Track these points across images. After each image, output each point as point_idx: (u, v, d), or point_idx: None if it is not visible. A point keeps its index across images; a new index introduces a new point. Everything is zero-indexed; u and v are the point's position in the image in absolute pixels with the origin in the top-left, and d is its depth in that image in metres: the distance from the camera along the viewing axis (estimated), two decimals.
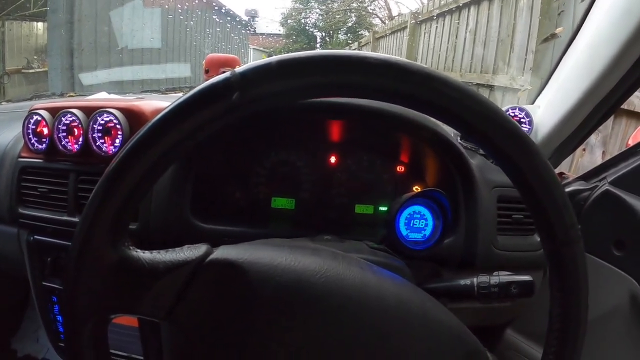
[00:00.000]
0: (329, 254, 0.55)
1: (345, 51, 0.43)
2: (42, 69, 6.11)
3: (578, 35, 1.11)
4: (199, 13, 7.71)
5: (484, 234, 0.96)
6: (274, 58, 0.42)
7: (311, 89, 0.43)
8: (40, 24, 6.56)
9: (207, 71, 1.70)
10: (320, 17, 15.91)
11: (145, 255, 0.47)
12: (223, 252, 0.50)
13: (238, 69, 0.42)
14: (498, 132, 0.44)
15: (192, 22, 7.30)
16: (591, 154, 3.06)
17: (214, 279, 0.49)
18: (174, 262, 0.47)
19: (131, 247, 0.47)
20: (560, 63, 1.17)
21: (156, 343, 1.05)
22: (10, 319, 1.81)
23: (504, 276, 0.71)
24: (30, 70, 6.38)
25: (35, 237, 1.09)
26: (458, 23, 5.50)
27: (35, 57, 6.54)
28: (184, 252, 0.49)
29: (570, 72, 1.11)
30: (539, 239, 1.03)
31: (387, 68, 0.42)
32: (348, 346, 0.49)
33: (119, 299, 0.47)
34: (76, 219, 1.02)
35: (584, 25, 1.10)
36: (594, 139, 3.00)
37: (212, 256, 0.49)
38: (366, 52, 0.43)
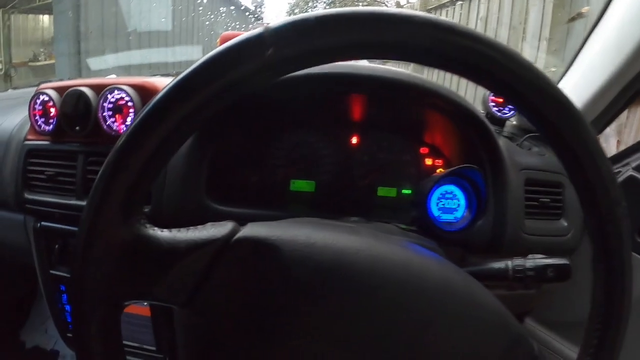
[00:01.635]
0: (369, 233, 0.50)
1: (389, 9, 0.38)
2: (49, 62, 6.13)
3: (605, 15, 1.09)
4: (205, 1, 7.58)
5: (512, 218, 0.92)
6: (312, 14, 0.37)
7: (353, 48, 0.38)
8: (46, 17, 6.58)
9: None
10: (328, 7, 15.85)
11: (163, 233, 0.42)
12: (252, 230, 0.45)
13: (271, 24, 0.37)
14: (543, 99, 0.41)
15: (205, 0, 7.17)
16: (606, 142, 3.01)
17: (242, 258, 0.43)
18: (196, 241, 0.42)
19: (147, 225, 0.42)
20: (584, 46, 1.16)
21: (169, 332, 1.01)
22: (19, 310, 1.80)
23: (539, 259, 0.69)
24: (37, 63, 6.40)
25: (42, 223, 1.05)
26: (469, 11, 5.44)
27: (42, 49, 6.57)
28: (207, 229, 0.43)
29: (596, 55, 1.10)
30: (565, 224, 1.01)
31: (434, 28, 0.38)
32: (392, 329, 0.44)
33: (134, 283, 0.42)
34: (84, 203, 0.97)
35: (610, 5, 1.07)
36: (608, 127, 2.95)
37: (240, 234, 0.44)
38: (412, 11, 0.38)
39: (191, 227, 0.44)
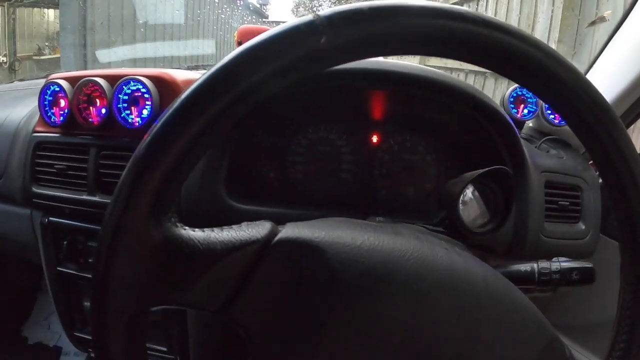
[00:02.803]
0: (412, 234, 0.48)
1: (442, 4, 0.37)
2: (54, 55, 6.14)
3: (626, 21, 1.09)
4: None
5: (533, 221, 0.92)
6: (365, 3, 0.35)
7: (409, 43, 0.37)
8: (51, 11, 6.59)
9: (239, 43, 1.58)
10: (333, 5, 15.92)
11: (197, 233, 0.39)
12: (294, 231, 0.42)
13: (323, 12, 0.35)
14: (581, 102, 0.41)
15: None
16: None
17: (285, 262, 0.41)
18: (235, 242, 0.39)
19: (179, 224, 0.39)
20: (606, 49, 1.14)
21: (181, 333, 0.99)
22: (21, 305, 1.79)
23: (564, 262, 0.70)
24: (42, 57, 6.40)
25: (50, 218, 1.03)
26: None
27: (47, 43, 6.57)
28: (244, 230, 0.40)
29: (618, 59, 1.10)
30: (583, 227, 1.00)
31: (486, 26, 0.37)
32: (439, 332, 0.43)
33: (164, 287, 0.38)
34: (97, 198, 0.96)
35: (633, 11, 1.06)
36: None
37: (281, 235, 0.41)
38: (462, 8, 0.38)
39: (225, 227, 0.41)
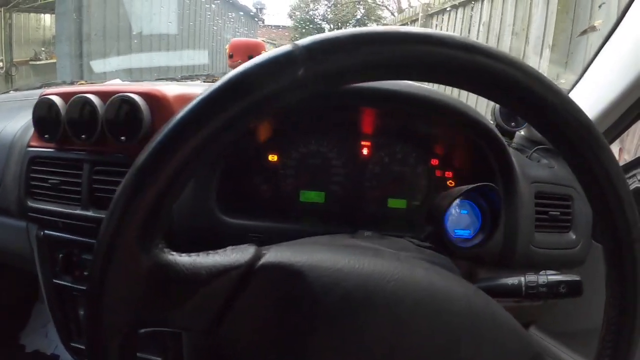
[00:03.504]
0: (392, 256, 0.50)
1: (425, 29, 0.38)
2: (50, 61, 6.13)
3: (618, 28, 1.09)
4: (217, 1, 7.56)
5: (523, 231, 0.93)
6: (345, 31, 0.36)
7: (388, 68, 0.37)
8: (47, 16, 6.59)
9: (231, 56, 1.61)
10: (329, 10, 15.89)
11: (183, 258, 0.40)
12: (276, 255, 0.44)
13: (301, 42, 0.36)
14: (563, 119, 0.41)
15: (213, 6, 7.16)
16: None
17: (268, 286, 0.42)
18: (219, 267, 0.40)
19: (166, 250, 0.40)
20: (598, 56, 1.15)
21: (176, 344, 0.99)
22: (19, 313, 1.79)
23: (551, 275, 0.70)
24: (38, 62, 6.40)
25: (46, 232, 1.04)
26: (471, 16, 5.44)
27: (43, 48, 6.57)
28: (228, 254, 0.42)
29: (610, 67, 1.10)
30: (574, 237, 1.01)
31: (468, 51, 0.38)
32: (420, 353, 0.44)
33: (153, 311, 0.40)
34: (90, 213, 0.96)
35: (623, 21, 1.07)
36: None
37: (264, 259, 0.43)
38: (451, 34, 0.39)
39: (211, 252, 0.42)
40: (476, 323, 0.47)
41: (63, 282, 1.05)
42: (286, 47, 0.36)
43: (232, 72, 0.36)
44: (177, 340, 0.98)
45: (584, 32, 3.28)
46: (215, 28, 7.11)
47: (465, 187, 0.77)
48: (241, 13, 8.65)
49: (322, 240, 0.52)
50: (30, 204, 1.03)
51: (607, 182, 0.43)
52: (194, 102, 0.36)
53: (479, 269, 0.93)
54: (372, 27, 0.37)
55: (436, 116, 0.90)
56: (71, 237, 1.00)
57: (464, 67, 0.38)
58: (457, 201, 0.79)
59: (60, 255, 1.02)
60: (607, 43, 1.12)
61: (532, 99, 0.40)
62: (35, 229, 1.05)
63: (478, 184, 0.77)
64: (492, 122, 1.16)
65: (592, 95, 1.13)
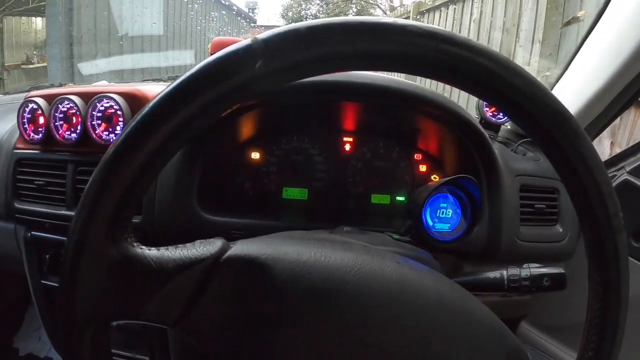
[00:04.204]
0: (361, 248, 0.50)
1: (385, 18, 0.37)
2: (42, 64, 6.09)
3: (600, 20, 1.09)
4: (200, 1, 7.59)
5: (507, 225, 0.93)
6: (303, 23, 0.36)
7: (346, 59, 0.37)
8: (39, 19, 6.55)
9: (212, 54, 1.61)
10: (321, 9, 15.90)
11: (151, 252, 0.41)
12: (242, 248, 0.44)
13: (261, 35, 0.36)
14: (541, 111, 0.40)
15: (196, 5, 7.19)
16: (599, 144, 3.01)
17: (233, 278, 0.43)
18: (185, 260, 0.41)
19: (135, 244, 0.41)
20: (581, 49, 1.15)
21: (163, 343, 1.00)
22: (12, 317, 1.79)
23: (534, 268, 0.69)
24: (30, 66, 6.36)
25: (33, 233, 1.05)
26: (462, 13, 5.44)
27: (35, 52, 6.53)
28: (196, 248, 0.42)
29: (592, 60, 1.10)
30: (561, 230, 1.01)
31: (431, 37, 0.37)
32: (388, 348, 0.44)
33: (122, 303, 0.41)
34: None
35: (605, 12, 1.07)
36: None
37: (229, 252, 0.43)
38: (407, 21, 0.37)
39: (180, 245, 0.43)
40: (449, 317, 0.47)
41: (51, 283, 1.05)
42: (246, 41, 0.36)
43: (193, 68, 0.37)
44: (164, 339, 0.98)
45: (568, 22, 3.28)
46: (199, 28, 7.13)
47: (441, 181, 0.77)
48: (224, 12, 8.66)
49: (293, 235, 0.52)
50: (17, 205, 1.03)
51: (585, 172, 0.42)
52: (155, 99, 0.37)
53: (465, 263, 0.93)
54: (328, 19, 0.36)
55: (417, 110, 0.90)
56: (57, 237, 1.01)
57: (422, 55, 0.37)
58: (434, 195, 0.79)
59: (47, 256, 1.03)
60: (590, 35, 1.12)
61: (500, 86, 0.39)
62: (23, 230, 1.06)
63: (453, 176, 0.77)
64: (477, 116, 1.16)
65: (576, 88, 1.13)
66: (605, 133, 2.95)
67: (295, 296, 0.43)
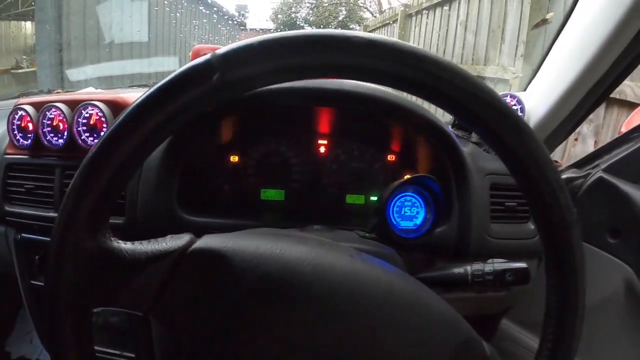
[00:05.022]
0: (316, 242, 0.53)
1: (331, 30, 0.41)
2: (32, 69, 6.05)
3: (568, 22, 1.11)
4: (185, 4, 7.67)
5: (477, 222, 0.95)
6: (257, 38, 0.40)
7: (296, 70, 0.41)
8: (28, 24, 6.50)
9: None
10: (311, 12, 15.86)
11: (126, 246, 0.45)
12: (206, 241, 0.48)
13: (219, 50, 0.40)
14: (490, 114, 0.43)
15: (178, 14, 7.27)
16: (583, 143, 3.06)
17: (197, 269, 0.47)
18: (155, 253, 0.46)
19: (112, 238, 0.45)
20: (551, 50, 1.17)
21: (147, 340, 1.03)
22: (3, 321, 1.79)
23: (498, 264, 0.70)
24: (20, 70, 6.32)
25: (23, 235, 1.08)
26: (449, 15, 5.48)
27: (25, 57, 6.48)
28: (166, 242, 0.47)
29: (561, 59, 1.11)
30: (533, 227, 1.02)
31: (373, 47, 0.40)
32: (337, 336, 0.47)
33: (100, 291, 0.45)
34: None
35: (574, 12, 1.09)
36: (585, 128, 3.00)
37: (195, 245, 0.48)
38: (352, 32, 0.41)
39: (152, 240, 0.47)
40: (398, 308, 0.50)
41: (40, 283, 1.09)
42: (206, 56, 0.40)
43: (163, 80, 0.41)
44: (149, 336, 1.01)
45: (537, 25, 3.31)
46: (181, 35, 7.21)
47: (401, 180, 0.80)
48: (205, 21, 8.76)
49: (257, 231, 0.56)
50: (8, 208, 1.06)
51: (535, 170, 0.44)
52: (128, 108, 0.41)
53: (437, 260, 0.96)
54: (278, 34, 0.40)
55: (388, 115, 0.94)
56: (46, 238, 1.04)
57: (366, 64, 0.40)
58: (398, 193, 0.82)
59: (37, 257, 1.07)
60: (558, 38, 1.14)
61: (445, 88, 0.41)
62: (13, 232, 1.09)
63: (415, 175, 0.81)
64: (452, 117, 1.19)
65: (545, 89, 1.16)
66: (590, 132, 3.00)
67: (251, 285, 0.47)
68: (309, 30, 0.41)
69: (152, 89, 0.41)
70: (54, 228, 0.43)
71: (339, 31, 0.40)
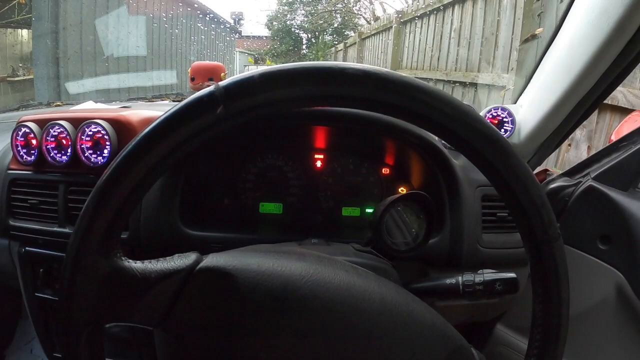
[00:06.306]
0: (315, 258, 0.56)
1: (327, 63, 0.44)
2: (28, 77, 6.03)
3: (558, 35, 1.13)
4: (184, 21, 7.76)
5: (469, 233, 0.97)
6: (257, 71, 0.43)
7: (293, 100, 0.44)
8: (25, 32, 6.48)
9: (192, 79, 1.71)
10: (306, 19, 15.89)
11: (137, 265, 0.48)
12: (212, 260, 0.51)
13: (222, 83, 0.43)
14: (473, 135, 0.45)
15: (177, 30, 7.35)
16: (576, 149, 3.09)
17: (204, 286, 0.50)
18: (165, 271, 0.48)
19: (123, 258, 0.48)
20: (541, 63, 1.19)
21: (151, 351, 1.05)
22: (3, 330, 1.80)
23: (488, 274, 0.73)
24: (16, 78, 6.30)
25: (27, 248, 1.09)
26: (442, 23, 5.51)
27: (21, 65, 6.46)
28: (174, 261, 0.50)
29: (550, 71, 1.13)
30: None
31: (365, 78, 0.43)
32: (334, 347, 0.50)
33: (113, 308, 0.48)
34: (67, 230, 1.02)
35: (563, 25, 1.11)
36: (579, 134, 3.03)
37: (201, 264, 0.50)
38: (346, 63, 0.43)
39: (161, 259, 0.50)
40: (390, 318, 0.53)
41: (44, 295, 1.11)
42: (209, 89, 0.43)
43: (168, 111, 0.44)
44: (151, 347, 1.04)
45: (526, 40, 3.34)
46: (180, 51, 7.29)
47: (395, 196, 0.83)
48: (203, 37, 8.89)
49: (259, 248, 0.59)
50: (12, 222, 1.08)
51: (518, 186, 0.46)
52: (137, 136, 0.44)
53: (431, 270, 0.98)
54: (281, 66, 0.43)
55: (382, 133, 0.97)
56: (50, 252, 1.06)
57: (366, 96, 0.43)
58: (392, 208, 0.84)
59: (41, 270, 1.08)
60: (548, 51, 1.16)
61: (433, 115, 0.44)
62: (17, 246, 1.11)
63: (408, 192, 0.83)
64: None
65: (535, 101, 1.18)
66: (583, 137, 3.03)
67: (254, 301, 0.50)
68: (306, 63, 0.43)
69: (160, 119, 0.44)
70: (67, 249, 0.46)
71: (335, 63, 0.43)
